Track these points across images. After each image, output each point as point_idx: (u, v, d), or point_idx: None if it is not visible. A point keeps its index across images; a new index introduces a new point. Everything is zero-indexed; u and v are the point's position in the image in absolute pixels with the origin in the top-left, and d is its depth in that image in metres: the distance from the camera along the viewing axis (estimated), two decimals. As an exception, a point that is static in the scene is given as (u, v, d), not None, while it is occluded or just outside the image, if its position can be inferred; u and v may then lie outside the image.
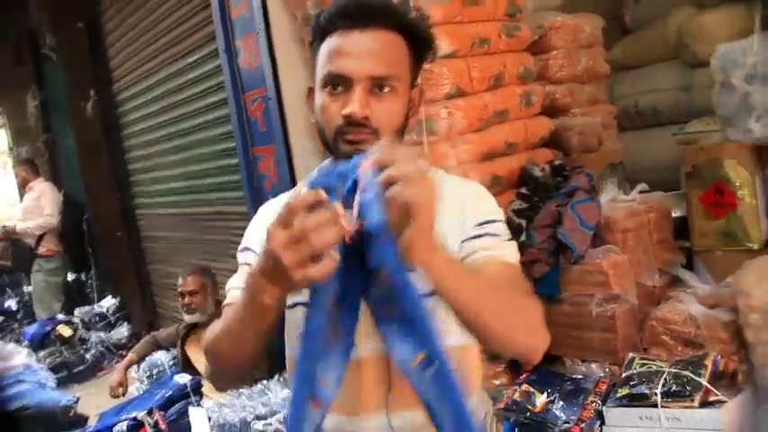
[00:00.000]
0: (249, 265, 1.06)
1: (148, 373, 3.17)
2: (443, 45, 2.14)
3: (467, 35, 2.18)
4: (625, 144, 3.14)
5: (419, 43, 1.04)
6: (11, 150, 7.66)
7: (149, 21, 3.84)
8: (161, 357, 3.26)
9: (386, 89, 0.98)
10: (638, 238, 2.22)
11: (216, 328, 0.99)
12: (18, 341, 4.76)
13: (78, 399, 3.15)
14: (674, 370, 1.83)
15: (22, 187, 5.66)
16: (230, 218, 3.57)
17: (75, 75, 5.43)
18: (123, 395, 3.06)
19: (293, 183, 2.68)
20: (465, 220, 1.05)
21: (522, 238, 2.22)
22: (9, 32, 6.52)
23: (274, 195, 1.23)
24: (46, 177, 6.22)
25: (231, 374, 1.06)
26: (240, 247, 1.14)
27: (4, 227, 5.70)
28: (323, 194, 0.76)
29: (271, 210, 1.15)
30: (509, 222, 2.26)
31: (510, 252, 1.06)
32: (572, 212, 2.15)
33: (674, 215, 2.41)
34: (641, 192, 2.38)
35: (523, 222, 2.24)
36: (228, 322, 0.95)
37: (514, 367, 2.23)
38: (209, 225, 3.92)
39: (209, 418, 2.36)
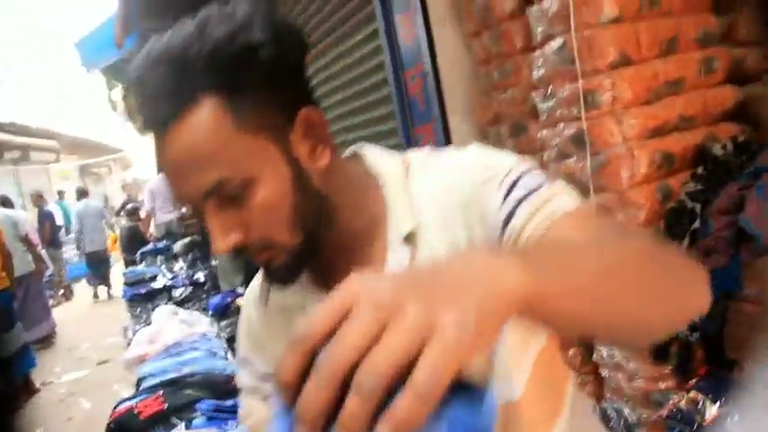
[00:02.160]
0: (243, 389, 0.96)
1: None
2: (606, 9, 1.94)
3: (634, -5, 1.94)
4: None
5: (257, 78, 0.70)
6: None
7: (314, 7, 3.94)
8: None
9: (236, 192, 0.71)
10: None
11: None
12: (204, 310, 5.22)
13: None
14: None
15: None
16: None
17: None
18: None
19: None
20: (490, 203, 0.75)
21: (696, 224, 1.95)
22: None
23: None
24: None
25: None
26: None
27: None
28: None
29: (249, 306, 0.96)
30: (681, 208, 2.02)
31: (568, 193, 0.74)
32: (758, 196, 1.85)
33: None
34: None
35: (698, 207, 1.97)
36: None
37: (683, 370, 1.98)
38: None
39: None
